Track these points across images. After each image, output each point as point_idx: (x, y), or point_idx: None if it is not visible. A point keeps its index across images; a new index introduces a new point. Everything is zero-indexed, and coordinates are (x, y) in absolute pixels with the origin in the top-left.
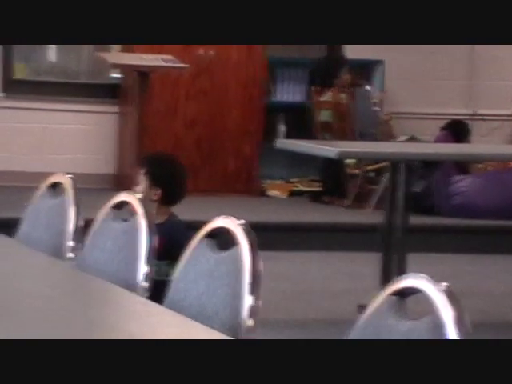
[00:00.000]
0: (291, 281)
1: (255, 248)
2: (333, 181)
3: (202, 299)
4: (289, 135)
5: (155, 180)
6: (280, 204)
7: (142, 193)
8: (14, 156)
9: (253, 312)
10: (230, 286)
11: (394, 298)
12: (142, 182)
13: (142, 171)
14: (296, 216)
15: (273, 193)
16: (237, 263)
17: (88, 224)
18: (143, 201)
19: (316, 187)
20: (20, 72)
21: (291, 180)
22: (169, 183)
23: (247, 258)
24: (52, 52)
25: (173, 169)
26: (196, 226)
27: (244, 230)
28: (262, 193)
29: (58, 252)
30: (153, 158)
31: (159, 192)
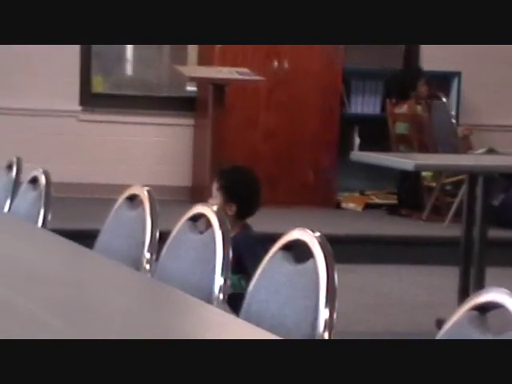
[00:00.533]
0: (368, 294)
1: (331, 261)
2: (409, 193)
3: (280, 311)
4: (364, 147)
5: (230, 195)
6: (356, 216)
7: (219, 207)
8: (93, 168)
9: (328, 325)
10: (308, 298)
11: (474, 312)
12: (217, 197)
13: (217, 186)
14: (372, 229)
15: (348, 205)
16: (313, 276)
17: (163, 236)
18: (220, 213)
19: (392, 200)
20: (98, 85)
21: (367, 192)
22: (243, 199)
23: (323, 270)
24: (129, 65)
25: (247, 184)
26: (272, 238)
27: (320, 242)
28: (338, 205)
29: (135, 263)
30: (227, 173)
31: (234, 207)
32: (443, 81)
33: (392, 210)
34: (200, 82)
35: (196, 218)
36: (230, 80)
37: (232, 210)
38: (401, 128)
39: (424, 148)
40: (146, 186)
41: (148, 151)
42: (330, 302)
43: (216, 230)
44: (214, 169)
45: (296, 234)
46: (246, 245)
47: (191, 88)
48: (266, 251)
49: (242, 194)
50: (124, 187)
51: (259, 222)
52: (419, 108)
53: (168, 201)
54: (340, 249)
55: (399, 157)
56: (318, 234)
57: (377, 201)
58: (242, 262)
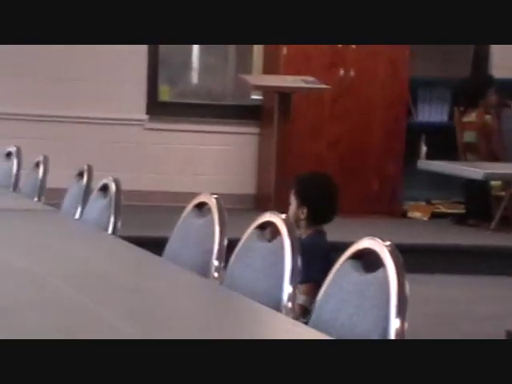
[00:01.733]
0: (435, 304)
1: (401, 270)
2: (477, 203)
3: (350, 321)
4: (430, 156)
5: (302, 199)
6: (422, 226)
7: (292, 212)
8: (159, 176)
9: (399, 335)
10: (378, 308)
11: None
12: (292, 202)
13: (292, 192)
14: (439, 238)
15: (414, 214)
16: (383, 285)
17: (231, 244)
18: (288, 221)
19: (459, 209)
20: (164, 94)
21: (433, 202)
22: (315, 202)
23: (394, 280)
24: (195, 74)
25: (320, 187)
26: (338, 247)
27: (390, 251)
28: (403, 214)
29: (204, 271)
30: (302, 178)
31: (305, 211)
32: None
33: (459, 219)
34: (265, 90)
35: (264, 226)
36: (295, 88)
37: (304, 213)
38: (469, 137)
39: (492, 157)
40: (212, 193)
41: (213, 159)
42: (401, 311)
43: (285, 238)
44: (278, 177)
45: (366, 242)
46: (304, 248)
47: (256, 96)
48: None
49: (314, 197)
50: (190, 195)
51: (326, 231)
52: (488, 117)
53: (234, 209)
54: (406, 258)
55: (467, 166)
56: (388, 242)
57: (443, 210)
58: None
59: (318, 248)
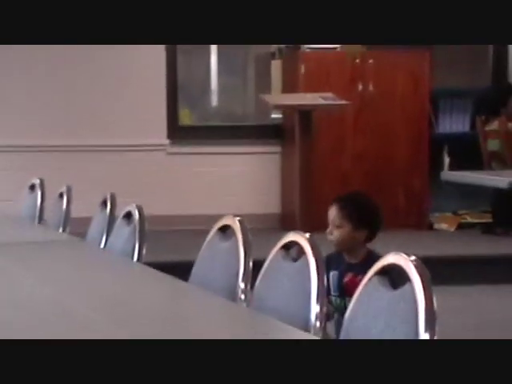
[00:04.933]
0: (468, 315)
1: (428, 284)
2: (505, 211)
3: (379, 338)
4: (454, 166)
5: (360, 222)
6: (449, 237)
7: (345, 235)
8: (183, 200)
9: None
10: (407, 324)
11: None
12: (344, 225)
13: (342, 214)
14: (468, 249)
15: (441, 226)
16: (411, 300)
17: (257, 264)
18: (312, 240)
19: (486, 219)
20: (185, 118)
21: (459, 212)
22: (373, 222)
23: (421, 295)
24: (215, 97)
25: (373, 207)
26: None
27: (416, 266)
28: (430, 226)
29: (230, 293)
30: (351, 200)
31: (365, 233)
32: None
33: (486, 228)
34: (285, 109)
35: (289, 246)
36: (315, 106)
37: (363, 235)
38: (492, 145)
39: None
40: (236, 214)
41: (237, 180)
42: (430, 326)
43: (310, 257)
44: (303, 195)
45: (391, 258)
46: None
47: (277, 115)
48: None
49: (373, 217)
50: (215, 217)
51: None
52: (511, 125)
53: (259, 229)
54: (435, 270)
55: (492, 175)
56: (413, 257)
57: (470, 220)
58: None
59: None
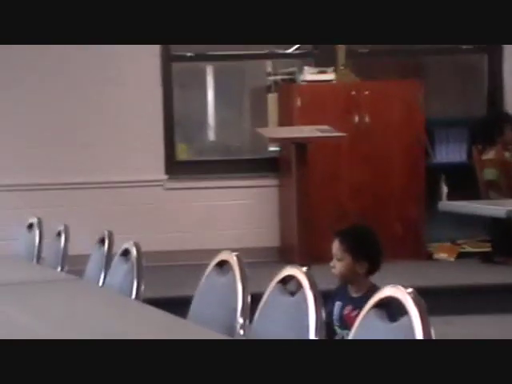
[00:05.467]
0: None
1: (425, 316)
2: (503, 240)
3: None
4: (452, 196)
5: (360, 254)
6: (449, 267)
7: (346, 267)
8: (182, 235)
9: None
10: None
11: None
12: (345, 258)
13: (343, 247)
14: (467, 278)
15: (440, 256)
16: (409, 334)
17: (255, 298)
18: (309, 274)
19: (485, 248)
20: (182, 153)
21: (458, 242)
22: (374, 255)
23: (418, 327)
24: (211, 131)
25: (375, 239)
26: None
27: (413, 298)
28: (429, 256)
29: (229, 329)
30: (352, 233)
31: (366, 265)
32: None
33: (486, 258)
34: (282, 142)
35: (286, 281)
36: (311, 138)
37: (363, 267)
38: (489, 174)
39: None
40: (235, 249)
41: (234, 214)
42: None
43: (307, 291)
44: (301, 227)
45: (388, 291)
46: None
47: (273, 148)
48: None
49: (373, 250)
50: (213, 252)
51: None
52: (507, 154)
53: (258, 262)
54: (435, 300)
55: (489, 204)
56: (410, 289)
57: (469, 249)
58: None
59: None
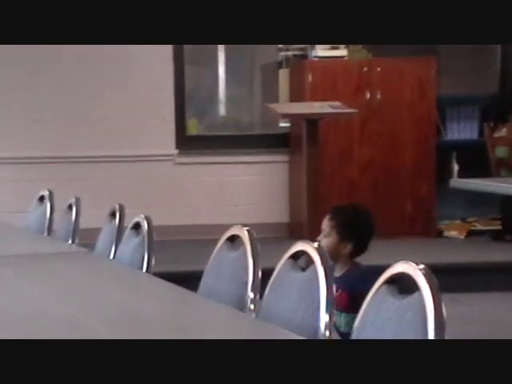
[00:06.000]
0: (476, 323)
1: (437, 293)
2: None
3: None
4: (462, 174)
5: (346, 234)
6: (459, 244)
7: (331, 245)
8: (192, 210)
9: None
10: (416, 332)
11: None
12: (331, 235)
13: (331, 224)
14: (477, 256)
15: (450, 233)
16: (420, 309)
17: (266, 273)
18: (321, 249)
19: (496, 226)
20: (193, 128)
21: (469, 219)
22: (360, 237)
23: (430, 303)
24: (222, 106)
25: (364, 222)
26: (375, 271)
27: (425, 274)
28: (440, 234)
29: (239, 303)
30: (343, 211)
31: (350, 246)
32: None
33: (496, 236)
34: (293, 118)
35: (297, 256)
36: (322, 114)
37: (347, 248)
38: (500, 152)
39: None
40: (244, 224)
41: (245, 190)
42: (440, 334)
43: (318, 266)
44: (311, 204)
45: (399, 267)
46: (354, 282)
47: (284, 124)
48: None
49: (359, 232)
50: (223, 227)
51: (361, 255)
52: None
53: (267, 238)
54: (444, 278)
55: (500, 182)
56: (421, 266)
57: (480, 227)
58: (358, 299)
59: (373, 276)
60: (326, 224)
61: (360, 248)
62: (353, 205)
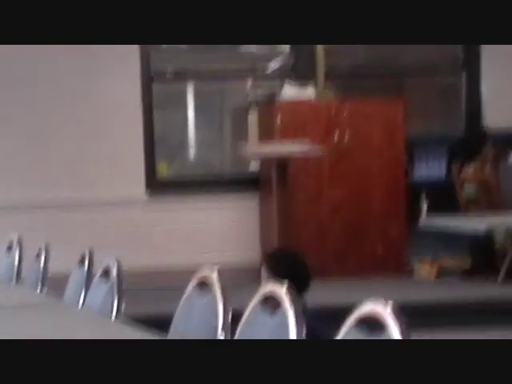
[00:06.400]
0: None
1: (406, 331)
2: (483, 257)
3: None
4: (432, 212)
5: (275, 276)
6: (430, 283)
7: None
8: (163, 255)
9: None
10: None
11: None
12: (266, 278)
13: (268, 273)
14: (447, 295)
15: (421, 273)
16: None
17: (237, 315)
18: (291, 291)
19: (466, 264)
20: (163, 171)
21: (439, 257)
22: (296, 281)
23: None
24: (192, 150)
25: (294, 266)
26: (346, 310)
27: (393, 313)
28: (410, 273)
29: None
30: (273, 260)
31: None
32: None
33: (466, 274)
34: (263, 158)
35: (267, 298)
36: (292, 153)
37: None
38: (469, 188)
39: (494, 209)
40: (214, 264)
41: (215, 233)
42: None
43: (287, 309)
44: (282, 245)
45: (368, 306)
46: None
47: (254, 168)
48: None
49: (292, 277)
50: (194, 271)
51: (333, 295)
52: (486, 170)
53: (240, 281)
54: (415, 317)
55: (469, 220)
56: (389, 306)
57: (450, 265)
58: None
59: (313, 318)
60: (264, 272)
61: (300, 290)
62: (283, 250)
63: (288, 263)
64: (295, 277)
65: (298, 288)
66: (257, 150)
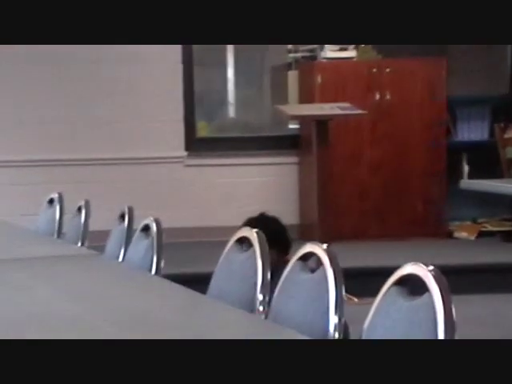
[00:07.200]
0: (488, 325)
1: (447, 294)
2: None
3: None
4: (473, 174)
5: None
6: (469, 246)
7: None
8: (202, 212)
9: None
10: (428, 333)
11: None
12: None
13: None
14: (487, 257)
15: (461, 234)
16: (430, 311)
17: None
18: (330, 250)
19: (507, 227)
20: (202, 130)
21: (479, 220)
22: (277, 242)
23: (439, 304)
24: (232, 109)
25: (272, 229)
26: (385, 272)
27: (434, 276)
28: (450, 235)
29: (249, 305)
30: (255, 220)
31: (274, 252)
32: None
33: (507, 236)
34: (302, 120)
35: (306, 258)
36: (331, 116)
37: (274, 254)
38: (511, 153)
39: None
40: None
41: (254, 192)
42: (449, 336)
43: (327, 268)
44: (321, 205)
45: (409, 268)
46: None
47: (294, 126)
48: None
49: (274, 239)
50: (233, 229)
51: (372, 256)
52: None
53: None
54: (455, 280)
55: (511, 182)
56: (431, 267)
57: (490, 228)
58: None
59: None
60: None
61: (284, 249)
62: (262, 215)
63: (272, 227)
64: (279, 240)
65: (284, 245)
66: (297, 112)
